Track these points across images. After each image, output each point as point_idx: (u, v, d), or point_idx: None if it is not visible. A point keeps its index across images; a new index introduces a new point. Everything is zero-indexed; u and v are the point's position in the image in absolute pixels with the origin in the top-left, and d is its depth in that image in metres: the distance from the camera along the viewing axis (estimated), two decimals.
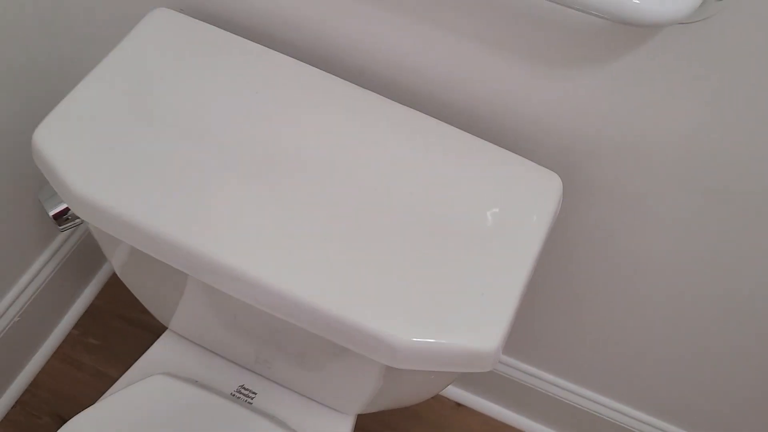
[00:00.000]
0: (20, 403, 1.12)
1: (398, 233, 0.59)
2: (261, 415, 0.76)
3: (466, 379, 1.17)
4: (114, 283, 1.25)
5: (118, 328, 1.20)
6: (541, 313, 0.95)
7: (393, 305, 0.56)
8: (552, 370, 1.06)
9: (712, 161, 0.63)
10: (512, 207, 0.62)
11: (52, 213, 0.65)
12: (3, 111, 0.88)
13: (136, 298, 1.23)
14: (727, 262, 0.72)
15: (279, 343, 0.74)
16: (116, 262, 0.73)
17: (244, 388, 0.82)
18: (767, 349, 0.80)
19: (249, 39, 0.70)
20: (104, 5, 0.79)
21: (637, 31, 0.56)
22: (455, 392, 1.19)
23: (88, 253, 1.19)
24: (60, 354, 1.17)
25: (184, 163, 0.60)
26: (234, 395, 0.80)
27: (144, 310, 1.21)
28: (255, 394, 0.82)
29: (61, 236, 1.11)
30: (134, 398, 0.75)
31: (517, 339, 1.03)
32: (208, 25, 0.70)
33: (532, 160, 0.65)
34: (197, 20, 0.70)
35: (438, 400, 1.19)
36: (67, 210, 0.65)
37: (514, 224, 0.61)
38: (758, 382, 0.86)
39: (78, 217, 0.66)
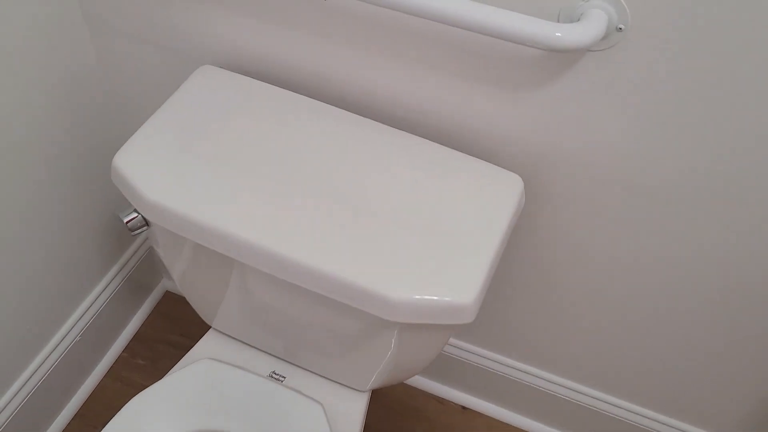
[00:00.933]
0: (79, 416, 1.28)
1: (393, 222, 0.76)
2: (293, 390, 0.92)
3: (471, 384, 1.31)
4: (158, 313, 1.42)
5: (162, 351, 1.37)
6: (530, 312, 1.10)
7: (392, 274, 0.72)
8: (553, 370, 1.20)
9: (637, 163, 0.80)
10: (483, 198, 0.79)
11: (126, 220, 0.83)
12: (75, 154, 1.09)
13: (177, 325, 1.41)
14: (660, 248, 0.88)
15: (302, 335, 0.91)
16: (175, 265, 0.91)
17: (275, 373, 0.98)
18: (702, 326, 0.95)
19: (275, 85, 0.91)
20: (161, 65, 1.00)
21: (564, 58, 0.75)
22: (461, 397, 1.33)
23: (135, 288, 1.37)
24: (113, 373, 1.33)
25: (226, 175, 0.79)
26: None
27: (184, 334, 1.38)
28: (284, 377, 0.97)
29: (113, 271, 1.29)
30: (187, 377, 0.92)
31: (515, 340, 1.17)
32: (243, 76, 0.90)
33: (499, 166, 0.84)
34: (235, 73, 0.90)
35: (445, 404, 1.33)
36: (137, 217, 0.83)
37: (486, 210, 0.78)
38: (692, 352, 1.00)
39: (146, 224, 0.84)
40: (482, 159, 0.85)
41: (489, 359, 1.23)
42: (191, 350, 0.99)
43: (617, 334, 1.06)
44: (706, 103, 0.72)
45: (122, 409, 0.89)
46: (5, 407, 1.11)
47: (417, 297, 0.72)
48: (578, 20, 0.70)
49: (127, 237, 1.31)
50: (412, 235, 0.75)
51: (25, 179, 1.00)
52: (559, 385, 1.21)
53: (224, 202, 0.76)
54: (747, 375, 1.02)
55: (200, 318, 1.07)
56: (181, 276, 0.92)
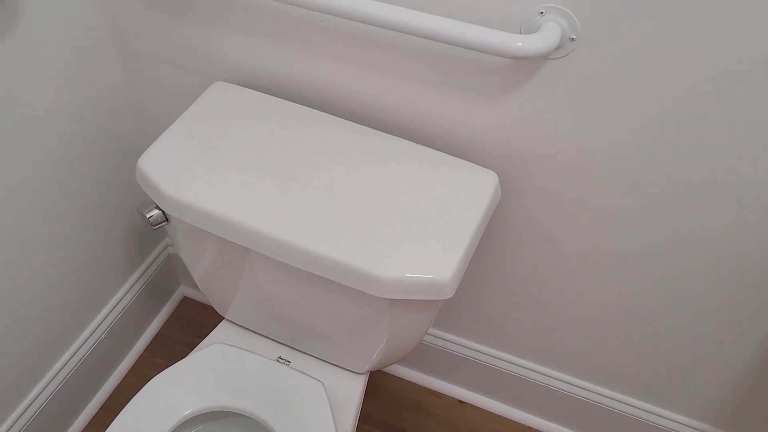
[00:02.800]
0: (104, 409, 1.38)
1: (383, 212, 0.87)
2: (296, 370, 1.02)
3: (466, 378, 1.39)
4: (176, 317, 1.53)
5: (180, 351, 1.47)
6: (520, 307, 1.19)
7: (381, 256, 0.82)
8: (544, 363, 1.28)
9: (595, 159, 0.91)
10: (462, 191, 0.90)
11: (148, 216, 0.94)
12: (104, 169, 1.21)
13: (194, 328, 1.51)
14: (622, 234, 0.98)
15: (306, 321, 1.01)
16: (192, 257, 1.01)
17: (282, 358, 1.08)
18: (663, 310, 1.04)
19: (280, 97, 1.02)
20: (180, 82, 1.12)
21: (527, 65, 0.85)
22: (458, 391, 1.42)
23: (156, 293, 1.48)
24: (135, 370, 1.44)
25: (234, 173, 0.90)
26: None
27: (200, 335, 1.49)
28: (290, 362, 1.07)
29: (134, 277, 1.40)
30: (202, 358, 1.02)
31: (507, 334, 1.26)
32: (252, 90, 1.02)
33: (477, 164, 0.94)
34: (244, 87, 1.02)
35: (443, 398, 1.42)
36: (158, 212, 0.94)
37: (464, 202, 0.89)
38: (653, 338, 1.09)
39: (166, 219, 0.95)
40: (462, 158, 0.96)
41: (483, 353, 1.31)
42: (206, 338, 1.10)
43: (601, 325, 1.14)
44: (652, 101, 0.82)
45: (143, 388, 0.99)
46: (36, 398, 1.22)
47: (402, 275, 0.82)
48: (537, 32, 0.81)
49: (148, 245, 1.42)
50: (399, 224, 0.86)
51: (60, 194, 1.12)
52: (549, 377, 1.29)
53: (232, 195, 0.88)
54: (727, 362, 1.10)
55: (215, 321, 1.17)
56: (197, 268, 1.03)
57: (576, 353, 1.22)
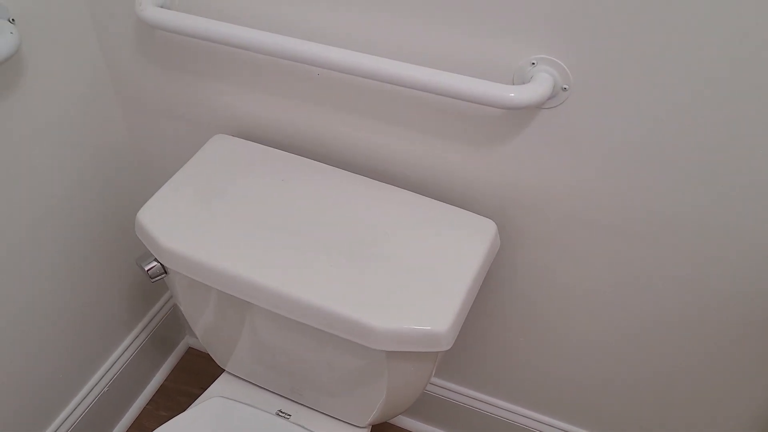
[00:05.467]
0: None
1: (379, 263, 0.86)
2: (296, 425, 1.00)
3: (475, 430, 1.36)
4: (181, 368, 1.52)
5: (184, 403, 1.45)
6: (527, 357, 1.17)
7: (377, 307, 0.82)
8: (556, 415, 1.26)
9: (596, 206, 0.90)
10: (460, 241, 0.89)
11: (147, 269, 0.95)
12: (106, 220, 1.22)
13: (199, 379, 1.50)
14: (628, 282, 0.96)
15: (305, 373, 1.00)
16: (191, 309, 1.01)
17: (282, 412, 1.06)
18: (669, 357, 1.02)
19: (279, 149, 1.03)
20: (181, 135, 1.13)
21: (522, 115, 0.86)
22: None
23: (160, 343, 1.47)
24: (137, 424, 1.42)
25: (232, 225, 0.90)
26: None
27: (204, 387, 1.47)
28: (290, 415, 1.06)
29: (139, 327, 1.40)
30: (200, 413, 1.01)
31: (515, 385, 1.24)
32: (251, 142, 1.03)
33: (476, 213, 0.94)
34: (243, 139, 1.03)
35: None
36: (156, 265, 0.94)
37: (461, 252, 0.88)
38: (656, 381, 1.06)
39: (165, 272, 0.95)
40: (461, 207, 0.95)
41: (492, 405, 1.29)
42: (206, 391, 1.09)
43: (611, 376, 1.12)
44: (648, 148, 0.82)
45: None
46: None
47: (398, 326, 0.81)
48: (529, 82, 0.81)
49: (153, 296, 1.42)
50: (396, 275, 0.85)
51: (63, 245, 1.13)
52: (561, 429, 1.26)
53: (230, 247, 0.88)
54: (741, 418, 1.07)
55: (220, 372, 1.16)
56: (197, 320, 1.03)
57: (586, 405, 1.19)
